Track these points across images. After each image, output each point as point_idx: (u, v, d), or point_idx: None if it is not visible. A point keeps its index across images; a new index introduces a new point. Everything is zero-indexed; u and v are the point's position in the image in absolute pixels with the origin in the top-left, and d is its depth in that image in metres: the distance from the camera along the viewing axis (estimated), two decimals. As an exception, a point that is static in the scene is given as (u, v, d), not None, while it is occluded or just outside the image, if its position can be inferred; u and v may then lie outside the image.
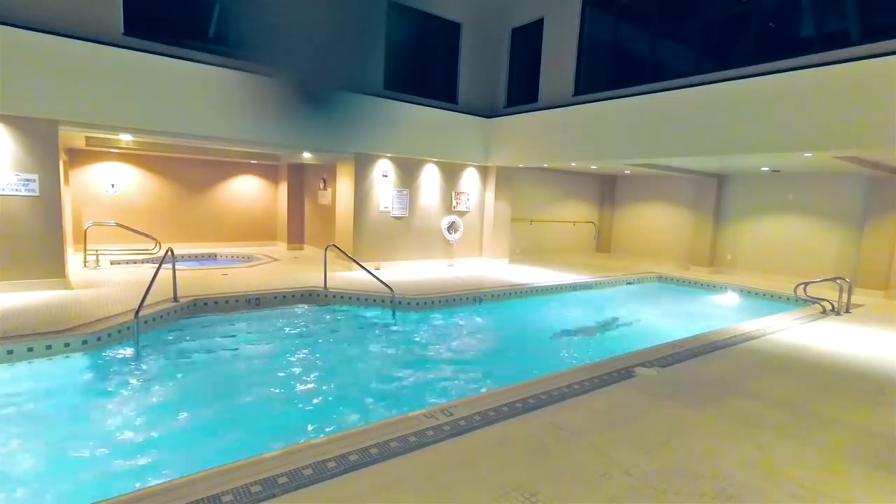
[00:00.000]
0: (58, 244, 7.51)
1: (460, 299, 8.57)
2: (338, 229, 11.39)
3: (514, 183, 13.17)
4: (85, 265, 9.68)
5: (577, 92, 11.06)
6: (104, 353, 5.39)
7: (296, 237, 14.12)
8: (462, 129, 11.94)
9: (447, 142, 11.74)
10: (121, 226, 10.80)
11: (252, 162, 13.48)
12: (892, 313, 8.31)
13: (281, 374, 5.38)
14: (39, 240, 7.35)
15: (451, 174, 12.25)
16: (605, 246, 15.71)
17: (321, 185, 13.26)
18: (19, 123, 7.12)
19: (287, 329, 6.92)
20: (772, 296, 9.97)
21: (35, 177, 7.25)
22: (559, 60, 11.41)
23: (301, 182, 14.13)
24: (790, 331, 6.77)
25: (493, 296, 9.05)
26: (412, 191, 11.61)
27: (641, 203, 14.75)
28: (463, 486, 2.77)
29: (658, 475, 2.96)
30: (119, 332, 5.73)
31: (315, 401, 4.81)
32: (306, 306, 7.93)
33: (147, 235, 10.76)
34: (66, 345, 5.23)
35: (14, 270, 7.16)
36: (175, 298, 6.96)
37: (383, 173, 11.09)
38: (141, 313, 5.78)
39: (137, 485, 2.99)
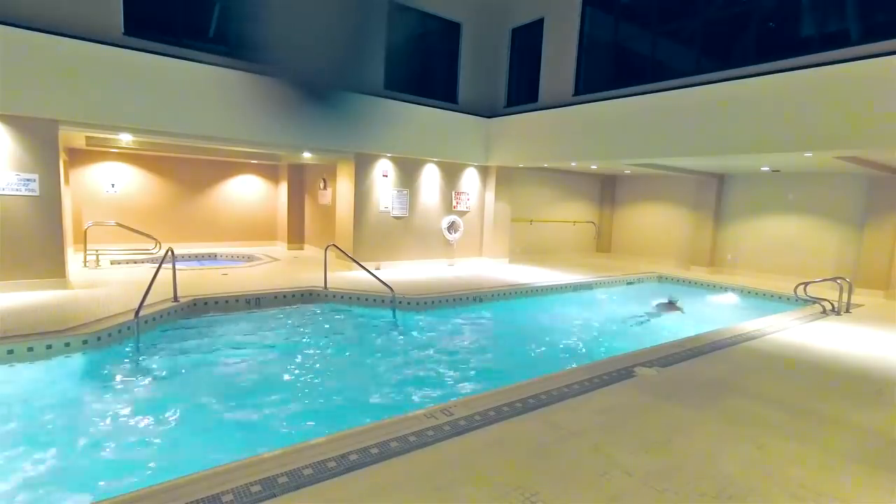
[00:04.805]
0: (58, 244, 7.51)
1: (460, 299, 8.57)
2: (338, 229, 11.39)
3: (514, 183, 13.17)
4: (85, 265, 9.69)
5: (577, 92, 11.07)
6: (104, 353, 5.39)
7: (296, 237, 14.12)
8: (462, 129, 11.94)
9: (447, 142, 11.74)
10: (121, 225, 10.80)
11: (252, 162, 13.48)
12: (892, 313, 8.31)
13: (281, 374, 5.38)
14: (39, 240, 7.35)
15: (451, 174, 12.25)
16: (605, 246, 15.70)
17: (321, 185, 13.26)
18: (19, 123, 7.13)
19: (287, 329, 6.92)
20: (772, 296, 9.97)
21: (35, 177, 7.26)
22: (559, 60, 11.41)
23: (301, 182, 14.13)
24: (790, 331, 6.77)
25: (493, 296, 9.05)
26: (412, 191, 11.61)
27: (641, 203, 14.75)
28: (463, 486, 2.77)
29: (658, 475, 2.96)
30: (119, 331, 5.73)
31: (315, 400, 4.81)
32: (306, 306, 7.93)
33: (147, 235, 10.76)
34: (67, 344, 5.23)
35: (14, 270, 7.17)
36: (175, 298, 6.96)
37: (383, 173, 11.09)
38: (141, 313, 5.78)
39: (135, 485, 2.99)
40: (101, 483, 3.27)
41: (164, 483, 2.68)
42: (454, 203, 12.36)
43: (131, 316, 5.79)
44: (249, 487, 2.65)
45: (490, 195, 12.85)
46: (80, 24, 7.56)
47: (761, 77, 7.61)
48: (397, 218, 11.41)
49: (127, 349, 5.60)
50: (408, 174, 11.49)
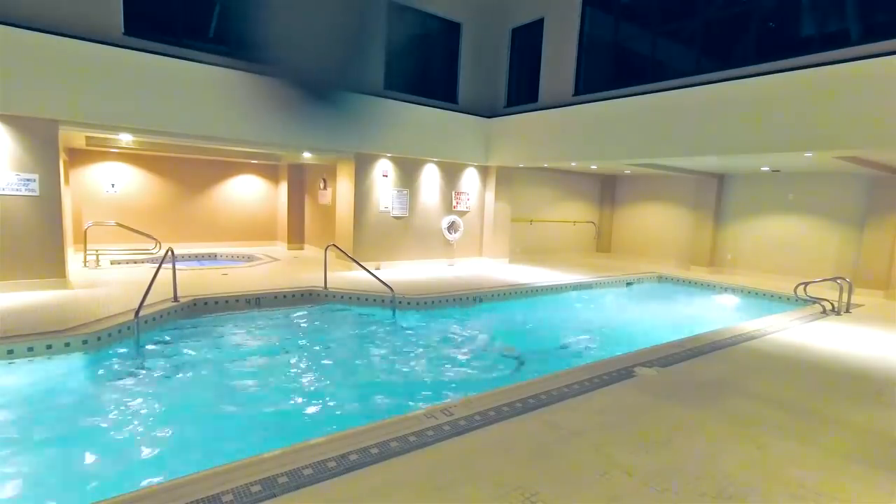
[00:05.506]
0: (58, 244, 7.51)
1: (460, 299, 8.57)
2: (338, 229, 11.38)
3: (514, 183, 13.17)
4: (85, 265, 9.68)
5: (577, 92, 11.06)
6: (104, 353, 5.39)
7: (296, 237, 14.12)
8: (462, 129, 11.94)
9: (447, 142, 11.74)
10: (121, 226, 10.80)
11: (252, 162, 13.48)
12: (892, 313, 8.31)
13: (281, 374, 5.38)
14: (39, 240, 7.34)
15: (451, 174, 12.25)
16: (605, 246, 15.70)
17: (321, 185, 13.26)
18: (19, 123, 7.12)
19: (287, 329, 6.92)
20: (772, 296, 9.97)
21: (35, 177, 7.25)
22: (559, 60, 11.40)
23: (301, 182, 14.13)
24: (790, 331, 6.77)
25: (493, 296, 9.05)
26: (412, 191, 11.61)
27: (641, 203, 14.75)
28: (463, 486, 2.77)
29: (658, 475, 2.96)
30: (119, 331, 5.73)
31: (315, 400, 4.81)
32: (306, 306, 7.93)
33: (147, 235, 10.75)
34: (67, 344, 5.23)
35: (14, 270, 7.16)
36: (175, 298, 6.95)
37: (383, 173, 11.09)
38: (141, 313, 5.78)
39: (136, 485, 2.99)
40: (100, 483, 3.27)
41: (165, 483, 2.68)
42: (454, 203, 12.35)
43: (131, 316, 5.79)
44: (249, 487, 2.65)
45: (490, 195, 12.85)
46: (80, 24, 7.56)
47: (761, 77, 7.60)
48: (397, 218, 11.41)
49: (127, 349, 5.59)
50: (408, 174, 11.49)
